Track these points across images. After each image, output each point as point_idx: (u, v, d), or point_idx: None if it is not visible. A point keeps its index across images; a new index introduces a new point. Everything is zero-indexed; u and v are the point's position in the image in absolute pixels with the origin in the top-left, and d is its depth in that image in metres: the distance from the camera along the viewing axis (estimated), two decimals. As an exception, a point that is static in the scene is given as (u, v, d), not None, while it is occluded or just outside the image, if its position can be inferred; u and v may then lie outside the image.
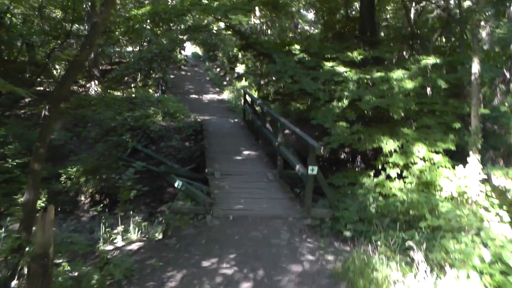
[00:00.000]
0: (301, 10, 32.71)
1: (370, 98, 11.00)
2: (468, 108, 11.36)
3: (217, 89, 28.63)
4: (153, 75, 26.78)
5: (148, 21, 13.43)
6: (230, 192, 9.42)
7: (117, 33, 19.83)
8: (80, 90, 24.65)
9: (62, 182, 13.67)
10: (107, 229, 8.52)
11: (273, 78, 15.53)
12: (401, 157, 10.56)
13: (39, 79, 24.40)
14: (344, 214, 8.23)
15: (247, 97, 16.95)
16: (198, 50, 46.09)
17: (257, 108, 16.01)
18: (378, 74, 12.27)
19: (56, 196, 13.32)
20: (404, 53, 16.47)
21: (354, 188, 10.45)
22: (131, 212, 9.72)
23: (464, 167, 9.30)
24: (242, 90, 19.57)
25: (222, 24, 15.32)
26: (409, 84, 11.81)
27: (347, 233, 7.80)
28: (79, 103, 19.48)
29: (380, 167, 11.13)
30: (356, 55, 13.45)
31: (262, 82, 17.88)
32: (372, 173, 11.27)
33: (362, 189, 10.29)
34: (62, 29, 18.33)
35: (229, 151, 12.68)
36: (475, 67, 9.61)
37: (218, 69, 35.73)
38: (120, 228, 8.54)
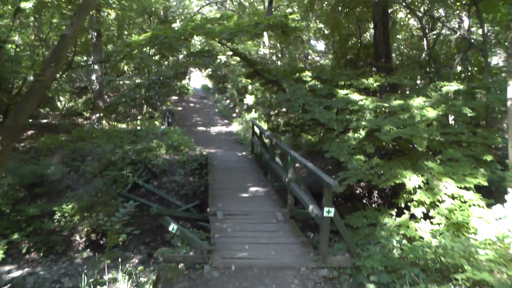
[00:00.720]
0: (311, 41, 31.98)
1: (390, 128, 9.79)
2: (500, 138, 10.09)
3: (226, 121, 27.64)
4: (161, 107, 25.97)
5: (148, 47, 12.44)
6: (233, 236, 8.15)
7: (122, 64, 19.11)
8: (85, 123, 23.76)
9: (56, 220, 12.53)
10: (97, 276, 7.38)
11: (283, 108, 14.39)
12: (427, 194, 9.26)
13: (43, 111, 23.67)
14: (366, 262, 6.94)
15: (255, 129, 15.82)
16: (208, 83, 45.51)
17: (266, 141, 14.84)
18: (397, 102, 11.10)
19: (49, 235, 12.25)
20: (419, 80, 15.30)
21: (376, 230, 9.18)
22: (119, 259, 8.54)
23: (502, 205, 7.98)
24: (250, 122, 18.43)
25: (229, 53, 14.20)
26: (431, 113, 10.62)
27: (371, 286, 6.51)
28: (80, 135, 18.51)
29: (402, 205, 9.84)
30: (371, 81, 12.32)
31: (271, 113, 16.72)
32: (393, 212, 10.00)
33: (384, 230, 9.03)
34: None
35: (234, 188, 11.48)
36: (511, 91, 8.38)
37: (227, 101, 34.89)
38: (107, 277, 7.37)
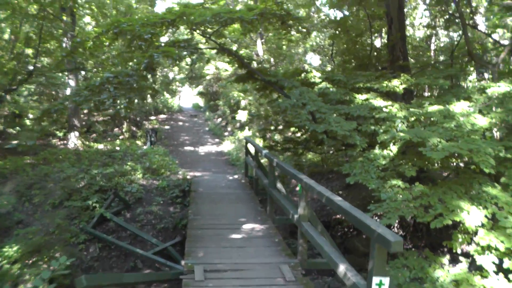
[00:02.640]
0: (306, 57, 29.32)
1: (438, 142, 6.74)
2: None
3: (217, 140, 24.65)
4: (138, 122, 23.03)
5: (109, 41, 9.40)
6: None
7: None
8: (58, 143, 20.66)
9: (-7, 269, 9.41)
10: None
11: (282, 120, 11.40)
12: (497, 235, 6.23)
13: (13, 131, 20.64)
14: None
15: (250, 147, 12.80)
16: (200, 101, 42.85)
17: (263, 160, 11.76)
18: (435, 108, 8.11)
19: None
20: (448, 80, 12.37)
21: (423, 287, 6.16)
22: None
23: None
24: (243, 140, 15.33)
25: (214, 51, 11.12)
26: (482, 120, 7.67)
27: None
28: (46, 158, 15.46)
29: (458, 250, 6.79)
30: (397, 83, 9.35)
31: (268, 128, 13.61)
32: (445, 260, 6.97)
33: (437, 289, 6.02)
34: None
35: (222, 225, 8.34)
36: None
37: (219, 119, 32.05)
38: None
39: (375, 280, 3.84)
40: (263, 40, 25.24)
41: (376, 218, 8.44)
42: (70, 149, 18.62)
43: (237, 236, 7.64)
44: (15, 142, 19.17)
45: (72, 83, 19.49)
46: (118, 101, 7.10)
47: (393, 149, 7.80)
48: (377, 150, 7.96)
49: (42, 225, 11.02)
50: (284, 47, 25.55)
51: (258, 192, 11.16)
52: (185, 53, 7.66)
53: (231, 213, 9.16)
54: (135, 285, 7.82)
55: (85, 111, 23.58)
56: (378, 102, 8.76)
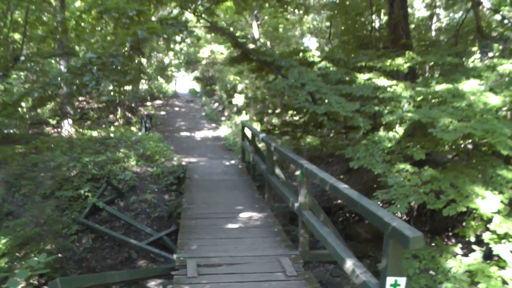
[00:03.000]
0: (304, 40, 28.56)
1: (449, 123, 6.17)
2: None
3: (214, 125, 24.04)
4: (134, 109, 22.39)
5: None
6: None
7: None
8: (52, 132, 20.05)
9: (-21, 264, 8.92)
10: None
11: (281, 101, 10.80)
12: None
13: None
14: None
15: (247, 131, 12.24)
16: (196, 86, 42.10)
17: (260, 145, 11.20)
18: (443, 87, 7.53)
19: (-31, 284, 8.67)
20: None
21: (436, 280, 5.66)
22: None
23: None
24: (240, 124, 14.74)
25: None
26: (494, 99, 7.11)
27: None
28: (37, 146, 14.90)
29: (472, 238, 6.27)
30: (401, 62, 8.75)
31: (264, 111, 12.98)
32: (457, 249, 6.46)
33: (449, 281, 5.53)
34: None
35: (217, 214, 7.79)
36: None
37: (216, 104, 31.41)
38: None
39: (390, 280, 3.31)
40: (258, 23, 24.48)
41: (381, 204, 7.91)
42: (63, 137, 18.04)
43: (233, 226, 7.10)
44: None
45: (64, 70, 18.83)
46: (103, 84, 6.49)
47: (399, 130, 7.25)
48: (381, 132, 7.41)
49: (32, 217, 10.54)
50: (281, 29, 24.81)
51: (255, 178, 10.62)
52: (171, 29, 7.02)
53: (227, 201, 8.61)
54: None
55: (80, 98, 23.00)
56: (382, 81, 8.18)
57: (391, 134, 7.30)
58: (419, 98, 7.57)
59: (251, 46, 11.06)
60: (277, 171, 8.00)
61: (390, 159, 6.90)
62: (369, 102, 7.72)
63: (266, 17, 25.83)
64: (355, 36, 12.53)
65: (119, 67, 6.34)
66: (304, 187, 5.62)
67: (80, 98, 23.08)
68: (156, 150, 13.91)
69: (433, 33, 18.85)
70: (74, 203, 10.94)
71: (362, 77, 8.64)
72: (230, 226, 7.11)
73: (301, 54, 9.33)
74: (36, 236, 9.56)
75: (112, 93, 21.77)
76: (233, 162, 13.13)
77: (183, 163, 13.07)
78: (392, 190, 5.97)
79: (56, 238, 9.82)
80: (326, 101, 7.32)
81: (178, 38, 7.19)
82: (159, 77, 23.91)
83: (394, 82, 8.30)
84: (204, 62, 33.81)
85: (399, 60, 8.83)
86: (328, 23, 23.33)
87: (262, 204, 8.31)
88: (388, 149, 7.12)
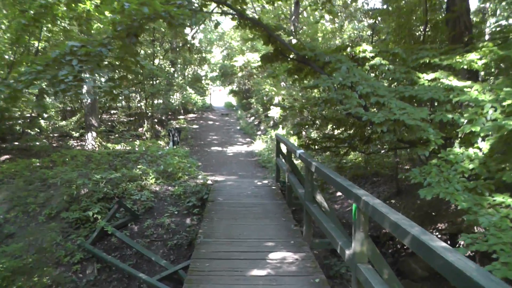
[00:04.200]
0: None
1: None
2: None
3: (248, 139, 22.35)
4: (164, 122, 20.94)
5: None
6: None
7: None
8: (75, 144, 18.80)
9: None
10: None
11: (321, 113, 8.92)
12: None
13: (31, 132, 18.87)
14: None
15: (281, 146, 10.44)
16: (233, 100, 40.83)
17: (298, 162, 9.34)
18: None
19: None
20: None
21: None
22: None
23: None
24: (275, 135, 12.90)
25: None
26: None
27: None
28: (54, 160, 13.57)
29: None
30: (474, 58, 6.77)
31: (302, 123, 11.01)
32: None
33: None
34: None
35: (240, 255, 5.90)
36: None
37: (251, 118, 29.80)
38: None
39: None
40: (293, 28, 22.73)
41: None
42: (82, 150, 16.73)
43: (260, 273, 5.23)
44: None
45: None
46: (87, 81, 4.82)
47: (483, 146, 5.30)
48: (457, 148, 5.47)
49: (31, 241, 9.04)
50: (320, 39, 23.04)
51: (291, 202, 8.75)
52: (175, 8, 5.31)
53: (255, 235, 6.75)
54: None
55: (113, 110, 21.77)
56: (455, 82, 6.25)
57: (471, 151, 5.35)
58: (507, 103, 5.59)
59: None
60: (319, 197, 6.14)
61: (474, 186, 4.95)
62: (440, 107, 5.80)
63: (304, 27, 24.18)
64: (408, 35, 10.54)
65: (105, 60, 4.69)
66: (361, 229, 3.73)
67: (112, 111, 21.92)
68: (181, 167, 12.25)
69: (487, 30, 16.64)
70: (82, 226, 9.41)
71: (425, 77, 6.73)
72: (256, 272, 5.24)
73: (349, 50, 7.42)
74: (34, 264, 8.10)
75: (140, 105, 20.62)
76: (265, 181, 11.27)
77: (209, 181, 11.35)
78: (490, 238, 3.98)
79: (56, 268, 8.34)
80: (384, 105, 5.44)
81: (190, 23, 5.49)
82: (188, 88, 22.48)
83: (469, 82, 6.36)
84: (240, 74, 32.37)
85: (472, 56, 6.86)
86: (370, 32, 21.46)
87: (298, 240, 6.43)
88: (469, 171, 5.17)
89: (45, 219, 9.70)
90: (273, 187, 10.39)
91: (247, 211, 8.21)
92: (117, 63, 5.39)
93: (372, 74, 7.14)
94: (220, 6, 7.40)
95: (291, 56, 7.68)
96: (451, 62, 6.69)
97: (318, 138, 10.01)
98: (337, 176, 4.67)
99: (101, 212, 9.63)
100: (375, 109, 6.44)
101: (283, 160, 10.43)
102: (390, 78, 6.63)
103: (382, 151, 10.35)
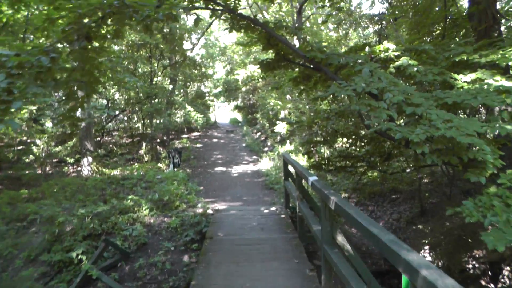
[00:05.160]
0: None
1: None
2: None
3: (254, 157, 20.94)
4: (166, 143, 19.62)
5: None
6: None
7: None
8: (71, 171, 17.52)
9: None
10: None
11: (332, 126, 7.50)
12: None
13: (26, 160, 17.62)
14: None
15: (290, 168, 9.03)
16: (238, 116, 39.58)
17: (310, 190, 7.90)
18: None
19: None
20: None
21: None
22: None
23: None
24: (282, 155, 11.44)
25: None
26: None
27: None
28: (43, 191, 12.34)
29: None
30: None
31: (312, 140, 9.48)
32: None
33: None
34: None
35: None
36: None
37: (258, 134, 28.47)
38: None
39: None
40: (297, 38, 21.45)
41: None
42: (78, 177, 15.46)
43: None
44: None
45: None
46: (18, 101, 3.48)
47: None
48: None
49: (9, 289, 7.72)
50: (325, 43, 21.70)
51: (304, 236, 7.32)
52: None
53: (261, 284, 5.35)
54: None
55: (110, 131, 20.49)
56: (505, 82, 4.84)
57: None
58: None
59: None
60: (340, 238, 4.73)
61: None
62: (493, 116, 4.40)
63: (308, 37, 22.92)
64: (428, 33, 9.09)
65: (46, 71, 3.40)
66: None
67: (103, 132, 20.61)
68: (178, 194, 10.86)
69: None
70: (65, 270, 8.04)
71: (463, 78, 5.33)
72: None
73: (367, 50, 5.97)
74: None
75: (137, 126, 19.39)
76: (273, 208, 9.78)
77: (210, 211, 9.95)
78: None
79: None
80: (421, 117, 4.03)
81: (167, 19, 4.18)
82: (186, 106, 21.20)
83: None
84: (244, 89, 31.11)
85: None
86: (376, 38, 20.14)
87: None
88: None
89: (23, 263, 8.37)
90: (282, 215, 8.92)
91: (252, 250, 6.76)
92: (74, 76, 4.07)
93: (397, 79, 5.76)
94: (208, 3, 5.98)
95: (296, 61, 6.29)
96: (495, 58, 5.30)
97: (331, 157, 8.58)
98: (370, 222, 3.25)
99: (88, 252, 8.28)
100: (402, 121, 5.07)
101: (290, 182, 9.03)
102: (423, 82, 5.23)
103: (408, 170, 8.90)
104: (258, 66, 7.10)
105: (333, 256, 4.46)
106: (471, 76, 5.33)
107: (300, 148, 18.52)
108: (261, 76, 10.13)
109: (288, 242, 7.06)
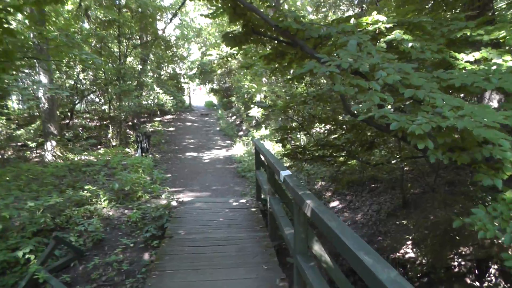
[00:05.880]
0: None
1: None
2: None
3: (228, 141, 19.95)
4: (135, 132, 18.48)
5: None
6: None
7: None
8: (32, 156, 16.27)
9: None
10: None
11: (309, 111, 6.54)
12: None
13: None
14: None
15: (261, 157, 8.09)
16: (214, 99, 38.44)
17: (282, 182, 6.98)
18: None
19: None
20: None
21: None
22: None
23: None
24: (253, 143, 10.42)
25: None
26: None
27: None
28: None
29: None
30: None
31: (287, 127, 8.45)
32: None
33: None
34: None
35: None
36: None
37: (233, 117, 27.46)
38: None
39: None
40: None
41: None
42: (40, 163, 14.27)
43: None
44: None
45: (44, 80, 15.05)
46: None
47: None
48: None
49: None
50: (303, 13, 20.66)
51: (275, 234, 6.41)
52: None
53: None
54: None
55: (69, 114, 19.14)
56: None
57: None
58: None
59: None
60: (317, 248, 3.83)
61: None
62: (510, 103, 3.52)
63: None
64: (419, 10, 8.11)
65: None
66: None
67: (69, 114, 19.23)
68: (141, 183, 9.83)
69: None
70: (9, 272, 7.00)
71: (464, 58, 4.43)
72: None
73: (352, 21, 4.88)
74: None
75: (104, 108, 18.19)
76: (243, 201, 8.80)
77: (174, 202, 8.96)
78: None
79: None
80: (423, 102, 3.11)
81: None
82: (155, 87, 19.98)
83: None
84: (219, 71, 29.92)
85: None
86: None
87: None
88: None
89: (-36, 262, 7.29)
90: (253, 209, 7.98)
91: (215, 253, 5.80)
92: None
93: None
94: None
95: (268, 34, 5.27)
96: (502, 35, 4.40)
97: (307, 145, 7.66)
98: (360, 245, 2.33)
99: (37, 250, 7.24)
100: (389, 106, 4.15)
101: (262, 173, 8.10)
102: (419, 61, 4.29)
103: (394, 161, 8.04)
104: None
105: (308, 272, 3.54)
106: (475, 55, 4.43)
107: (276, 134, 17.63)
108: (231, 54, 9.15)
109: (258, 242, 6.13)
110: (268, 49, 5.81)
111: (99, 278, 6.76)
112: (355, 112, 3.59)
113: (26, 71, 17.53)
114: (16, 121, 18.72)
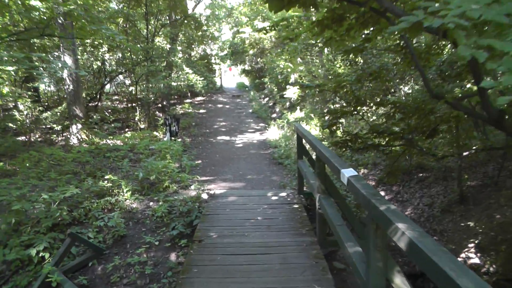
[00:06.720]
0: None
1: None
2: None
3: (262, 124, 18.88)
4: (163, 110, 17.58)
5: None
6: None
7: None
8: (58, 139, 15.56)
9: None
10: None
11: (354, 93, 5.39)
12: None
13: (13, 126, 15.66)
14: None
15: (305, 144, 6.99)
16: (245, 80, 37.40)
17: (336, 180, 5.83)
18: None
19: None
20: None
21: None
22: None
23: None
24: (294, 128, 9.25)
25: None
26: None
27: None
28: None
29: None
30: None
31: (335, 111, 7.22)
32: None
33: None
34: None
35: None
36: None
37: (266, 99, 26.35)
38: None
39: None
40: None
41: None
42: (65, 147, 13.54)
43: None
44: None
45: (68, 61, 14.21)
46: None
47: None
48: None
49: None
50: None
51: (324, 240, 5.31)
52: None
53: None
54: None
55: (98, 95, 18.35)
56: None
57: None
58: None
59: None
60: (398, 281, 2.75)
61: None
62: None
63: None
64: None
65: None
66: None
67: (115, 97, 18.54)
68: (169, 171, 8.85)
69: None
70: (21, 271, 6.18)
71: None
72: None
73: None
74: None
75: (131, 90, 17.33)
76: (283, 194, 7.69)
77: (204, 195, 7.95)
78: None
79: None
80: None
81: None
82: (184, 67, 18.93)
83: None
84: (251, 52, 28.75)
85: None
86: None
87: None
88: None
89: (-26, 259, 6.49)
90: (295, 205, 6.86)
91: (253, 265, 4.71)
92: None
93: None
94: None
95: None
96: None
97: (360, 133, 6.49)
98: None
99: (52, 247, 6.41)
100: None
101: (305, 162, 7.00)
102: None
103: (466, 153, 6.80)
104: (267, 22, 4.86)
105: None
106: None
107: (312, 115, 16.42)
108: (271, 25, 8.01)
109: (305, 251, 5.01)
110: (321, 13, 4.61)
111: (119, 281, 5.88)
112: (484, 87, 2.42)
113: (55, 53, 16.86)
114: (46, 104, 18.12)
